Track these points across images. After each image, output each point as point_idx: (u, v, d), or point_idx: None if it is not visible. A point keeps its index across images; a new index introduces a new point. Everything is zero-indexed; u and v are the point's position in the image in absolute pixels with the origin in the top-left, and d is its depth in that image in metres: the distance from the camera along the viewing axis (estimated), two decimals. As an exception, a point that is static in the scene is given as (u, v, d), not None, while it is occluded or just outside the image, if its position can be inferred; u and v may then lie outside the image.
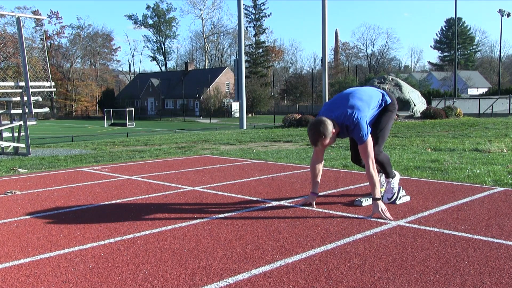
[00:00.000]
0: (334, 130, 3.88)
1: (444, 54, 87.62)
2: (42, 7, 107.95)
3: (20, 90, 9.52)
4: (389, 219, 3.74)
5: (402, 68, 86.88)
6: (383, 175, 4.48)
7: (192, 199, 4.68)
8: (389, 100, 4.20)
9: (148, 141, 12.73)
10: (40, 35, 69.72)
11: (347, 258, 2.87)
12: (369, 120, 4.05)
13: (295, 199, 4.56)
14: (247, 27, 74.66)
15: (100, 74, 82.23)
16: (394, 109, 4.26)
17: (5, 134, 10.37)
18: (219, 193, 4.98)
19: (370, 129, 3.97)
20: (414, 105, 21.37)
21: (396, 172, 4.44)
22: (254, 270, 2.70)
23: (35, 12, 71.11)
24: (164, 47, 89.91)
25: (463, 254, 2.90)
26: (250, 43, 73.99)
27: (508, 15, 43.70)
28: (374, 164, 3.90)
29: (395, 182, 4.36)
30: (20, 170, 7.15)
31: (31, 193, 5.18)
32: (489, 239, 3.19)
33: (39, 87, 10.09)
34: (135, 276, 2.64)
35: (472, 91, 66.49)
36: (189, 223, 3.76)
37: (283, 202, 4.44)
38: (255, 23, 75.32)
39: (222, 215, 3.99)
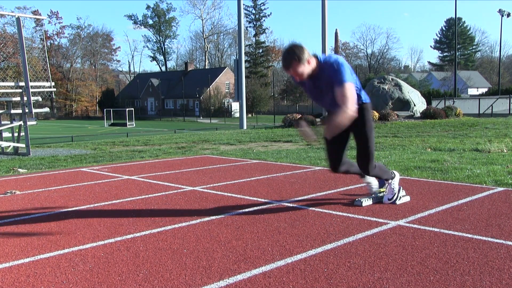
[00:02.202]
0: (310, 62, 3.53)
1: (444, 54, 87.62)
2: (42, 7, 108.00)
3: (20, 90, 9.52)
4: (311, 140, 3.67)
5: (402, 68, 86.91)
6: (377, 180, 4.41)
7: (192, 199, 4.68)
8: (367, 99, 3.92)
9: (148, 141, 12.73)
10: (40, 35, 69.73)
11: (347, 258, 2.87)
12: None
13: (295, 199, 4.55)
14: (247, 27, 74.70)
15: (100, 74, 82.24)
16: (371, 115, 3.99)
17: (5, 134, 10.37)
18: (219, 193, 4.98)
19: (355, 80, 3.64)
20: (414, 105, 21.37)
21: (395, 172, 4.40)
22: (254, 270, 2.70)
23: (35, 12, 71.12)
24: (164, 47, 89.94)
25: (463, 254, 2.90)
26: (250, 43, 73.97)
27: (508, 15, 43.70)
28: (352, 110, 3.48)
29: (395, 182, 4.32)
30: (20, 170, 7.15)
31: (31, 193, 5.18)
32: (489, 239, 3.19)
33: (39, 87, 10.09)
34: (135, 276, 2.64)
35: (472, 91, 66.49)
36: (189, 223, 3.76)
37: (283, 202, 4.43)
38: (255, 23, 75.34)
39: (222, 215, 3.99)
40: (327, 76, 3.57)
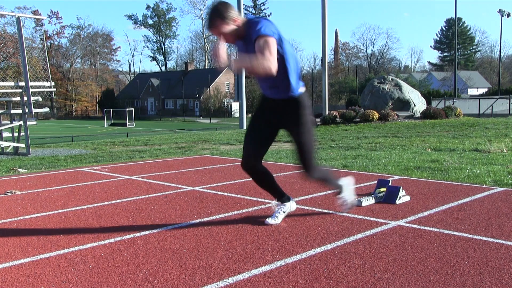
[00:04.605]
0: (237, 21, 3.21)
1: (444, 54, 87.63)
2: (42, 7, 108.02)
3: (20, 90, 9.52)
4: (221, 62, 3.12)
5: (402, 68, 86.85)
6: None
7: (192, 199, 4.68)
8: (303, 87, 3.48)
9: (148, 141, 12.73)
10: (40, 35, 69.65)
11: (347, 258, 2.87)
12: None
13: (295, 199, 4.55)
14: (247, 27, 74.59)
15: (100, 74, 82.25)
16: (309, 111, 3.49)
17: (5, 134, 10.37)
18: (219, 193, 4.98)
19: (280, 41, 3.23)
20: (414, 105, 21.37)
21: (344, 180, 3.86)
22: (254, 270, 2.70)
23: (35, 12, 71.12)
24: (164, 47, 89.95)
25: (463, 254, 2.90)
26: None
27: (508, 15, 43.71)
28: (272, 63, 3.06)
29: (346, 193, 3.85)
30: (20, 170, 7.15)
31: (31, 193, 5.18)
32: (489, 239, 3.19)
33: (39, 87, 10.10)
34: (135, 276, 2.64)
35: (472, 91, 66.48)
36: (189, 223, 3.76)
37: (283, 202, 4.42)
38: (255, 23, 75.26)
39: (222, 215, 3.99)
40: (251, 39, 3.20)
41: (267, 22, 3.21)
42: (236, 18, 3.21)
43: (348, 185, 3.87)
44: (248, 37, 3.24)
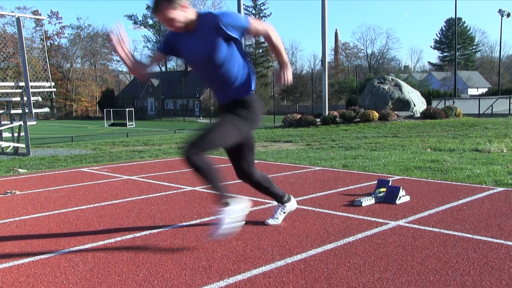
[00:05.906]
0: (187, 10, 2.94)
1: (444, 54, 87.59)
2: (42, 7, 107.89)
3: (20, 90, 9.53)
4: (287, 83, 3.16)
5: (402, 68, 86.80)
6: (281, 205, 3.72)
7: (192, 199, 4.68)
8: (253, 86, 3.28)
9: (148, 141, 12.73)
10: (40, 35, 69.64)
11: (347, 258, 2.87)
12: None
13: (295, 199, 4.55)
14: (247, 27, 74.51)
15: (100, 74, 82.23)
16: (255, 115, 3.23)
17: (5, 134, 10.37)
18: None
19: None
20: (414, 105, 21.38)
21: (237, 200, 3.09)
22: (254, 270, 2.70)
23: (35, 12, 71.10)
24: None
25: (463, 254, 2.90)
26: (250, 43, 73.95)
27: (508, 15, 43.70)
28: (272, 28, 3.09)
29: (229, 212, 2.99)
30: (20, 170, 7.15)
31: (31, 193, 5.18)
32: (489, 239, 3.19)
33: (39, 87, 10.10)
34: (135, 276, 2.64)
35: (472, 91, 66.48)
36: (189, 223, 3.76)
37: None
38: (255, 23, 75.26)
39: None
40: (210, 29, 2.98)
41: (231, 13, 3.04)
42: (185, 4, 2.94)
43: (238, 203, 3.07)
44: (202, 32, 3.01)
